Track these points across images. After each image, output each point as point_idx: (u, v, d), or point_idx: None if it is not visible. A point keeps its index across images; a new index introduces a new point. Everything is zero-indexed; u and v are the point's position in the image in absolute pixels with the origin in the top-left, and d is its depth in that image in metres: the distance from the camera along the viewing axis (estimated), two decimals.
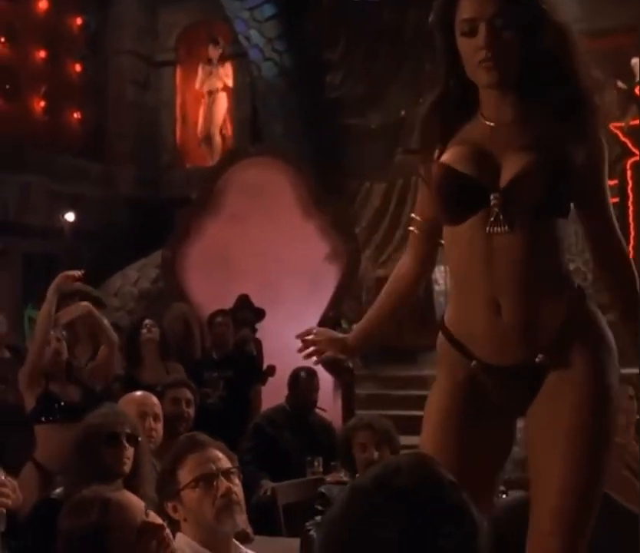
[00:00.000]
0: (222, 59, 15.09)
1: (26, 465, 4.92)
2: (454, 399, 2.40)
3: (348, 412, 8.20)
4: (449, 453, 2.30)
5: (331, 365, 9.12)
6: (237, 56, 14.81)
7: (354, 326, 2.86)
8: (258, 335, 8.20)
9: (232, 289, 8.79)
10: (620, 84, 13.64)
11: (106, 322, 5.64)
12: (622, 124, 13.08)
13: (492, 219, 2.23)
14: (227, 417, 6.65)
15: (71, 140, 14.25)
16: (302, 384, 6.43)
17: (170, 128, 15.53)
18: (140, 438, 3.52)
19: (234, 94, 15.09)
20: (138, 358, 6.55)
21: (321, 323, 9.56)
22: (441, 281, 10.51)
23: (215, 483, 2.87)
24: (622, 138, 12.95)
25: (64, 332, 5.47)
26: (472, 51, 2.23)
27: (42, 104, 13.85)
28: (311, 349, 2.79)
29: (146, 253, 12.58)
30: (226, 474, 2.91)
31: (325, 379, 8.58)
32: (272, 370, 7.62)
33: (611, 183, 13.38)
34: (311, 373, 6.51)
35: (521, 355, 2.32)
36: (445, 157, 2.31)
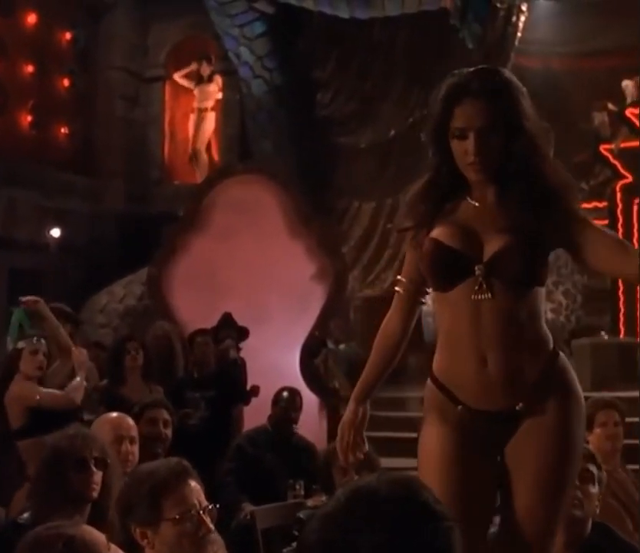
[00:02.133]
0: (212, 76, 15.06)
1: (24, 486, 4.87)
2: (450, 442, 2.69)
3: (333, 433, 8.08)
4: (456, 497, 2.60)
5: (316, 387, 9.04)
6: (227, 73, 14.78)
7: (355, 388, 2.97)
8: (243, 354, 8.10)
9: (218, 307, 8.69)
10: (610, 106, 13.65)
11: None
12: (612, 146, 13.06)
13: (477, 287, 2.59)
14: (209, 437, 6.56)
15: (59, 154, 14.18)
16: (283, 403, 6.36)
17: (159, 144, 15.48)
18: (108, 461, 3.40)
19: (223, 111, 15.05)
20: (121, 377, 6.48)
21: (306, 342, 9.51)
22: (429, 301, 10.44)
23: (197, 521, 2.75)
24: (612, 161, 12.93)
25: (42, 340, 5.51)
26: (462, 152, 2.63)
27: (30, 118, 13.79)
28: (350, 453, 2.92)
29: (134, 269, 12.48)
30: (205, 510, 2.80)
31: (311, 400, 8.50)
32: (255, 390, 7.51)
33: (601, 205, 13.41)
34: (294, 392, 6.44)
35: (503, 402, 2.65)
36: (435, 233, 2.67)
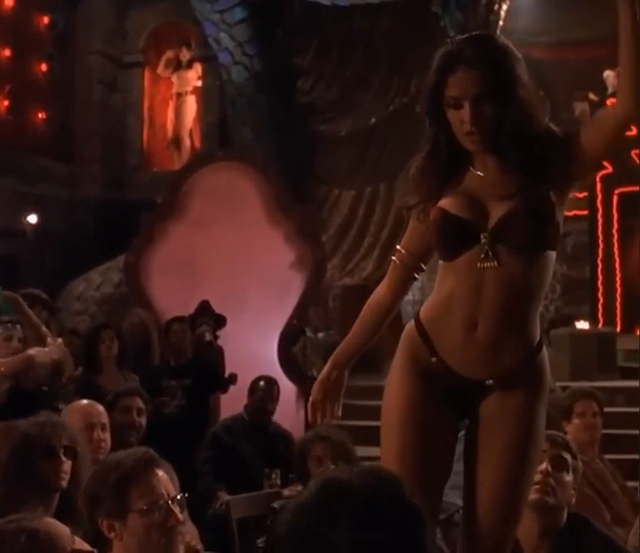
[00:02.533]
0: (192, 62, 14.97)
1: None
2: (415, 389, 2.67)
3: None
4: (412, 444, 2.63)
5: (294, 375, 8.98)
6: (206, 59, 14.69)
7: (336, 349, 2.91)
8: (221, 342, 8.05)
9: (196, 295, 8.63)
10: (592, 95, 13.65)
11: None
12: None
13: (482, 256, 2.57)
14: (185, 426, 6.50)
15: (36, 140, 14.05)
16: (260, 392, 6.31)
17: (137, 130, 15.37)
18: (78, 450, 3.33)
19: (203, 98, 14.96)
20: (96, 366, 6.42)
21: (285, 330, 9.45)
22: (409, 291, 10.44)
23: (165, 512, 2.68)
24: None
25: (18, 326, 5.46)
26: (458, 121, 2.60)
27: (7, 103, 13.66)
28: (319, 412, 2.87)
29: (111, 256, 12.38)
30: (173, 500, 2.73)
31: (288, 388, 8.44)
32: (233, 378, 7.46)
33: (581, 195, 13.40)
34: (271, 382, 6.39)
35: (478, 371, 2.64)
36: (442, 203, 2.66)
